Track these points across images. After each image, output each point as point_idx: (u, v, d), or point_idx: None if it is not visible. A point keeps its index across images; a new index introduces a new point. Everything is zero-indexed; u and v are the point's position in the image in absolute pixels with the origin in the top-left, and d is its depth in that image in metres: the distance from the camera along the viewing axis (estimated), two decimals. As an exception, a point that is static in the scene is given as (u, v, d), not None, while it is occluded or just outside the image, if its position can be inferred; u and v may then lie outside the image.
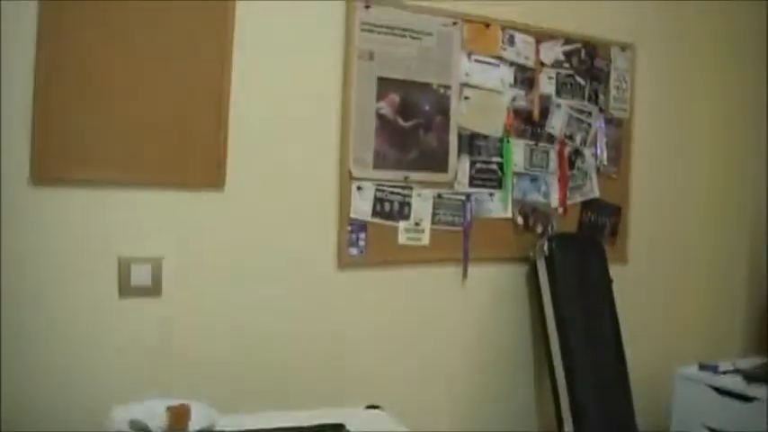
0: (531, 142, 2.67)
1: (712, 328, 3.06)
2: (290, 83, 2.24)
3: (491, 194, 2.59)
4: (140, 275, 2.04)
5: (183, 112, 2.07)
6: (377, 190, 2.38)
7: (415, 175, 2.44)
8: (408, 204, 2.43)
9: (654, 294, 2.98)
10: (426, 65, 2.44)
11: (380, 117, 2.37)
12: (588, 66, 2.78)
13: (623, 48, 2.87)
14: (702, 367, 2.64)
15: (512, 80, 2.61)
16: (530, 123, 2.66)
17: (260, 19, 2.18)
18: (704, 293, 3.10)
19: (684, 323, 3.05)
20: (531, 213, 2.67)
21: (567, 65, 2.73)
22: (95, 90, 1.95)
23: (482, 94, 2.56)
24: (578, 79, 2.76)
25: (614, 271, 2.72)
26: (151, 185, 2.05)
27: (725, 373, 2.57)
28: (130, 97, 2.00)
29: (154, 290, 2.06)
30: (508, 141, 2.61)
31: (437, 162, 2.48)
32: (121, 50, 1.98)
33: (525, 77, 2.64)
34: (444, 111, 2.49)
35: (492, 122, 2.58)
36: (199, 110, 2.08)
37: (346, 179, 2.32)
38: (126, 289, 2.02)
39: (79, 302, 1.97)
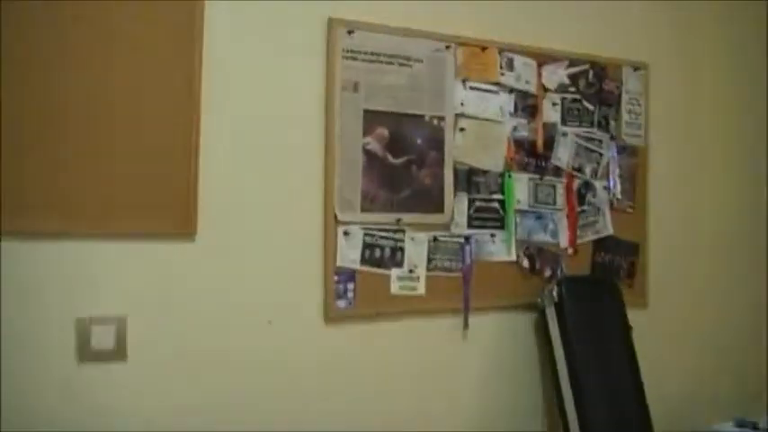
0: (536, 176, 2.68)
1: (744, 379, 3.06)
2: (266, 119, 2.26)
3: (492, 236, 2.59)
4: (102, 337, 2.02)
5: (147, 152, 2.07)
6: (366, 235, 2.38)
7: (408, 217, 2.45)
8: (401, 250, 2.44)
9: (678, 341, 2.97)
10: (417, 94, 2.46)
11: (368, 154, 2.38)
12: (597, 89, 2.80)
13: (635, 67, 2.89)
14: (740, 424, 2.64)
15: (512, 108, 2.63)
16: (533, 155, 2.67)
17: (232, 49, 2.20)
18: (735, 338, 3.10)
19: (714, 373, 3.04)
20: (537, 255, 2.67)
21: (572, 89, 2.75)
22: (46, 130, 1.95)
23: (479, 124, 2.58)
24: (586, 104, 2.78)
25: (633, 316, 2.71)
26: (112, 236, 2.03)
27: (766, 430, 2.58)
28: (87, 138, 2.00)
29: (118, 353, 2.04)
30: (510, 176, 2.62)
31: (432, 202, 2.49)
32: (78, 87, 1.99)
33: (527, 105, 2.66)
34: (438, 145, 2.50)
35: (491, 156, 2.60)
36: (165, 150, 2.08)
37: (331, 224, 2.33)
38: (86, 353, 2.00)
39: (31, 370, 1.94)
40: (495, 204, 2.60)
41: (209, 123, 2.15)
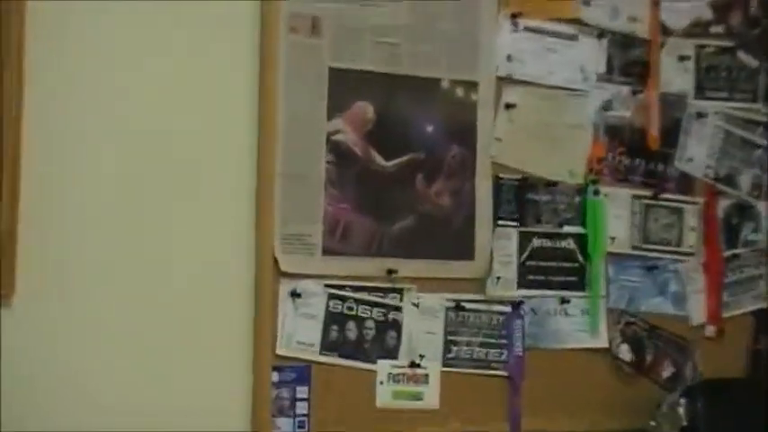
0: (646, 192, 2.67)
1: None
2: (145, 98, 2.27)
3: (564, 302, 2.59)
4: None
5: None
6: (331, 298, 2.38)
7: (409, 266, 2.43)
8: (395, 326, 2.42)
9: None
10: (427, 43, 2.47)
11: (336, 150, 2.38)
12: (765, 28, 2.80)
13: None
14: None
15: (602, 67, 2.64)
16: (642, 154, 2.67)
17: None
18: None
19: None
20: (647, 339, 2.66)
21: (718, 29, 2.76)
22: None
23: (542, 97, 2.58)
24: (743, 58, 2.78)
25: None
26: None
27: None
28: None
29: None
30: (596, 192, 2.60)
31: (452, 239, 2.48)
32: None
33: (630, 60, 2.67)
34: (465, 135, 2.50)
35: (562, 155, 2.61)
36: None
37: (268, 278, 2.32)
38: None
39: None
40: (570, 244, 2.60)
41: (40, 110, 2.15)
